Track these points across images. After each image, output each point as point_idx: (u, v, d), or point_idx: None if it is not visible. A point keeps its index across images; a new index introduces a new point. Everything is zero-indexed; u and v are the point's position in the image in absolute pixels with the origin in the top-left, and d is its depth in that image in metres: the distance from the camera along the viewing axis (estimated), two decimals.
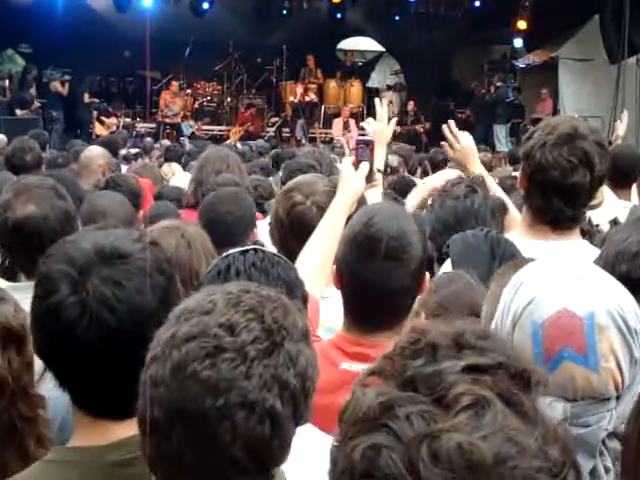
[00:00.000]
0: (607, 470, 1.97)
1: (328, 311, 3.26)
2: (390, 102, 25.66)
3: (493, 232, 3.51)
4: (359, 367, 2.68)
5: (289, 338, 1.66)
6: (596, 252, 3.50)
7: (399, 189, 7.24)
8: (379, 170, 4.71)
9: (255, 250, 2.62)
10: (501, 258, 3.32)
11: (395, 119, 5.00)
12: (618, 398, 1.98)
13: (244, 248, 2.63)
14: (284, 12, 25.50)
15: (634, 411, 1.48)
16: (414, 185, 7.01)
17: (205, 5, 24.69)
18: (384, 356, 1.28)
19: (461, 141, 4.51)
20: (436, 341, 1.25)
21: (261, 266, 2.55)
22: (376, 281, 2.75)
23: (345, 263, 2.84)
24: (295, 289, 2.52)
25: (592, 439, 1.96)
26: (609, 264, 2.51)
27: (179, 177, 8.20)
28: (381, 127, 4.60)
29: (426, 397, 1.18)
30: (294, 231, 3.58)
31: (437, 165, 10.71)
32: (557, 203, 3.46)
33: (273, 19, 25.46)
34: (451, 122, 4.67)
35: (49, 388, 2.18)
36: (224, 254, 2.66)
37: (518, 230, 3.69)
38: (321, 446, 2.23)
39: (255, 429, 1.59)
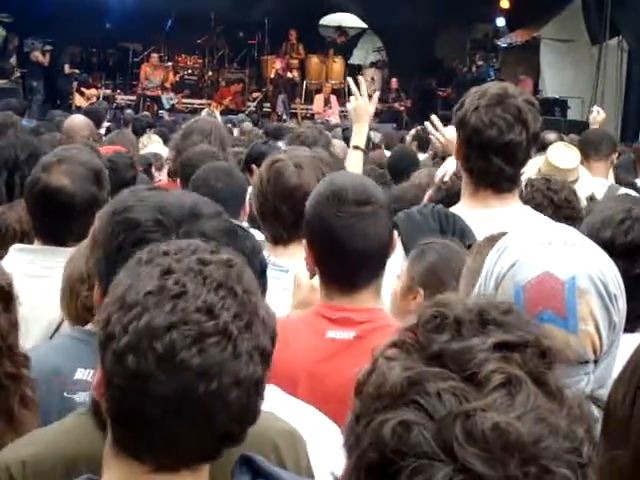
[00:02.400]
0: None
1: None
2: (372, 79, 25.63)
3: (439, 207, 3.54)
4: (345, 334, 2.70)
5: (259, 302, 1.66)
6: (539, 217, 3.62)
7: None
8: (357, 147, 4.75)
9: None
10: (452, 233, 3.36)
11: (377, 94, 5.03)
12: (596, 362, 2.01)
13: None
14: None
15: (621, 375, 1.49)
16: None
17: None
18: (406, 328, 1.26)
19: (445, 134, 4.56)
20: (461, 316, 1.23)
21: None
22: (348, 230, 2.75)
23: (316, 221, 2.82)
24: (252, 257, 2.52)
25: None
26: (594, 230, 2.55)
27: (152, 147, 8.16)
28: (360, 104, 4.64)
29: (455, 374, 1.16)
30: (270, 187, 3.56)
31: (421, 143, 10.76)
32: (497, 162, 3.52)
33: None
34: (433, 117, 4.74)
35: None
36: None
37: (461, 202, 3.73)
38: (286, 406, 2.28)
39: (247, 403, 1.61)
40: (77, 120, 7.84)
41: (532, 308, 1.98)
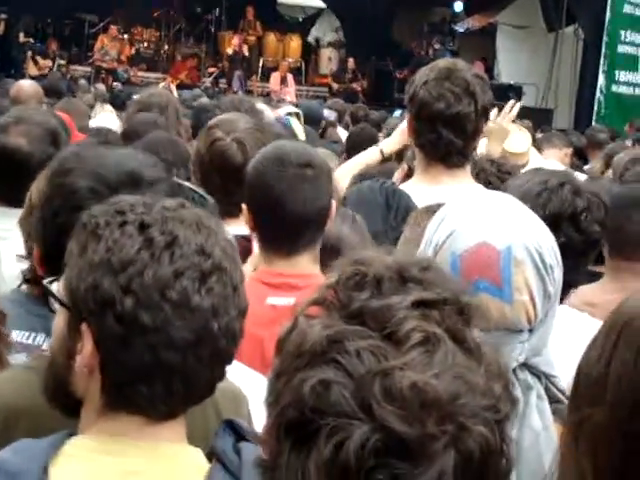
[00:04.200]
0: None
1: None
2: (329, 59, 25.62)
3: (388, 183, 3.55)
4: (285, 301, 2.71)
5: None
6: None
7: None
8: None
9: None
10: (396, 209, 3.37)
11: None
12: (531, 331, 2.03)
13: None
14: None
15: (595, 337, 1.49)
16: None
17: None
18: (326, 286, 1.26)
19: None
20: (380, 273, 1.23)
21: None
22: (289, 191, 2.77)
23: (258, 183, 2.84)
24: None
25: None
26: None
27: (102, 117, 8.09)
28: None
29: (375, 332, 1.17)
30: (215, 166, 3.55)
31: (358, 120, 10.81)
32: (447, 134, 3.55)
33: None
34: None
35: None
36: None
37: (413, 178, 3.76)
38: (252, 382, 2.28)
39: (226, 347, 1.68)
40: (26, 89, 7.73)
41: (468, 277, 1.98)
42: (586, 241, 2.70)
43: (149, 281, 1.59)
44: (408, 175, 4.12)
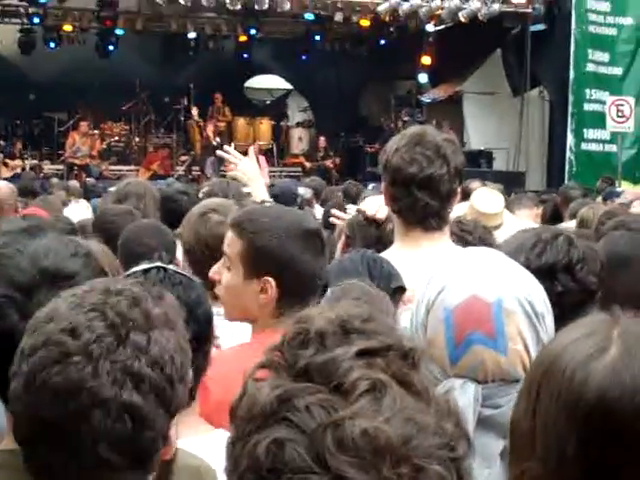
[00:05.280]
0: None
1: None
2: (300, 139, 25.81)
3: (368, 252, 3.58)
4: None
5: (137, 329, 1.64)
6: None
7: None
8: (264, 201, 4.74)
9: (158, 269, 2.57)
10: (379, 278, 3.38)
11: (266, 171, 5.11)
12: None
13: (146, 266, 2.57)
14: (190, 52, 25.48)
15: (521, 390, 1.51)
16: None
17: (110, 47, 24.57)
18: (272, 348, 1.28)
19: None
20: (323, 329, 1.25)
21: (161, 286, 2.52)
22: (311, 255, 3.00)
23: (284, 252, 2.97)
24: (196, 308, 2.49)
25: (502, 420, 1.99)
26: (510, 257, 2.59)
27: (72, 208, 8.11)
28: (243, 165, 4.71)
29: (323, 386, 1.18)
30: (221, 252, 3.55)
31: (351, 197, 10.84)
32: (422, 196, 3.58)
33: (179, 59, 25.41)
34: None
35: None
36: (127, 272, 2.62)
37: (393, 244, 3.78)
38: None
39: (115, 427, 1.58)
40: (2, 189, 7.73)
41: (462, 331, 2.02)
42: (583, 291, 2.70)
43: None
44: (348, 245, 4.17)
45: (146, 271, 2.55)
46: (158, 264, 2.61)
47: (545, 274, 2.15)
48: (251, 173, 4.75)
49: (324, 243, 3.06)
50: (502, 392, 2.01)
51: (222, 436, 2.31)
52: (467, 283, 2.06)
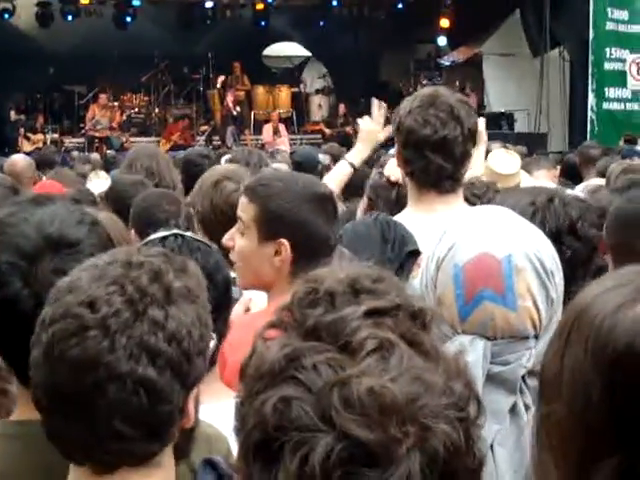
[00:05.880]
0: (527, 407, 2.04)
1: None
2: (319, 106, 25.77)
3: (382, 215, 3.56)
4: None
5: (154, 304, 1.64)
6: None
7: None
8: (351, 164, 4.74)
9: (175, 236, 2.57)
10: (393, 241, 3.38)
11: (389, 128, 5.06)
12: (537, 337, 2.04)
13: (163, 234, 2.57)
14: (208, 21, 25.44)
15: (552, 336, 1.51)
16: None
17: (128, 18, 24.58)
18: (282, 307, 1.29)
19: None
20: (333, 288, 1.26)
21: (179, 253, 2.52)
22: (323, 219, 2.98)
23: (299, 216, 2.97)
24: (215, 274, 2.49)
25: (512, 376, 2.01)
26: None
27: (94, 183, 8.13)
28: (373, 128, 4.70)
29: (331, 345, 1.19)
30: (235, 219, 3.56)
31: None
32: (436, 159, 3.55)
33: (197, 28, 25.41)
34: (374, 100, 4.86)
35: None
36: (144, 240, 2.62)
37: (407, 208, 3.76)
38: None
39: (131, 401, 1.60)
40: (18, 164, 7.76)
41: (472, 287, 2.03)
42: (587, 246, 2.70)
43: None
44: (371, 207, 4.16)
45: (163, 238, 2.55)
46: (175, 231, 2.61)
47: (552, 241, 2.14)
48: (370, 137, 4.77)
49: (336, 208, 3.04)
50: (511, 349, 2.01)
51: None
52: (477, 240, 2.05)
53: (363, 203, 4.37)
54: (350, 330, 1.19)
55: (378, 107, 4.80)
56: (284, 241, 2.91)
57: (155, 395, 1.61)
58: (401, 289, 1.29)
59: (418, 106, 3.57)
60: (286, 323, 1.26)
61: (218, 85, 24.21)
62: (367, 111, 4.87)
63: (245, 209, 3.00)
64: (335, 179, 4.66)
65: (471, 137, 3.62)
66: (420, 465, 1.13)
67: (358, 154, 4.80)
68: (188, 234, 2.65)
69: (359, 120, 4.94)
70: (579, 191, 6.18)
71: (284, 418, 1.15)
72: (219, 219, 3.74)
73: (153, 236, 2.61)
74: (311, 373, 1.16)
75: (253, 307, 3.22)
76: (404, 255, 3.28)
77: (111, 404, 1.59)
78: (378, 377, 1.15)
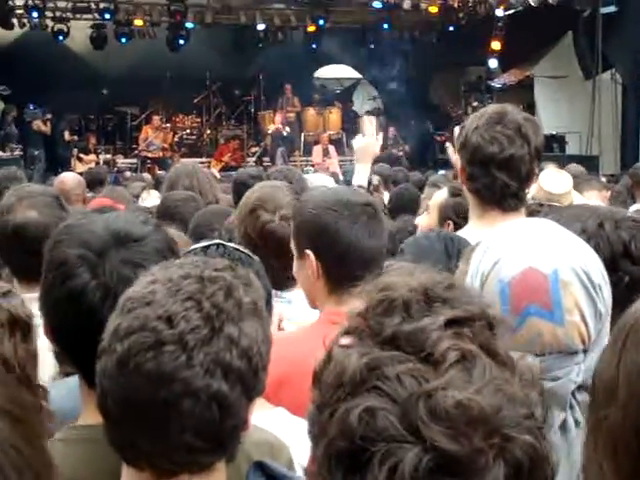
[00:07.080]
0: (577, 423, 2.01)
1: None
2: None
3: (445, 231, 3.55)
4: None
5: (230, 321, 1.67)
6: None
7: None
8: (361, 186, 4.77)
9: (217, 245, 2.60)
10: (457, 256, 3.36)
11: (381, 135, 5.09)
12: (585, 352, 2.02)
13: (207, 243, 2.61)
14: (260, 44, 25.57)
15: (608, 343, 1.51)
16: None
17: (181, 41, 24.79)
18: (356, 314, 1.29)
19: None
20: (407, 297, 1.26)
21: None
22: (358, 230, 2.83)
23: (326, 226, 2.85)
24: None
25: (562, 392, 2.00)
26: None
27: (148, 200, 8.25)
28: (365, 144, 4.70)
29: (412, 355, 1.19)
30: (270, 249, 3.49)
31: (398, 183, 10.86)
32: (501, 177, 3.51)
33: (249, 50, 25.55)
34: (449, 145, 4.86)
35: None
36: (188, 249, 2.65)
37: (469, 224, 3.74)
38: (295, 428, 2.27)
39: (203, 415, 1.63)
40: (67, 182, 7.81)
41: (518, 303, 2.00)
42: None
43: (112, 329, 1.68)
44: (456, 229, 4.14)
45: (206, 247, 2.58)
46: (217, 241, 2.64)
47: (608, 269, 2.10)
48: (367, 154, 4.88)
49: (378, 217, 2.92)
50: (560, 364, 1.99)
51: (282, 414, 2.35)
52: (522, 255, 2.03)
53: (422, 219, 4.37)
54: (431, 341, 1.20)
55: (369, 122, 4.83)
56: (308, 251, 2.87)
57: (226, 409, 1.64)
58: (472, 297, 1.30)
59: (485, 123, 3.53)
60: (360, 330, 1.26)
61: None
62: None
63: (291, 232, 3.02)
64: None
65: (537, 156, 3.57)
66: (505, 476, 1.14)
67: (360, 176, 4.81)
68: (230, 244, 2.67)
69: (352, 142, 5.00)
70: (631, 212, 6.14)
71: (370, 428, 1.16)
72: (251, 248, 3.69)
73: (195, 245, 2.64)
74: (394, 383, 1.17)
75: (285, 323, 3.21)
76: None
77: (184, 418, 1.61)
78: (462, 389, 1.16)
